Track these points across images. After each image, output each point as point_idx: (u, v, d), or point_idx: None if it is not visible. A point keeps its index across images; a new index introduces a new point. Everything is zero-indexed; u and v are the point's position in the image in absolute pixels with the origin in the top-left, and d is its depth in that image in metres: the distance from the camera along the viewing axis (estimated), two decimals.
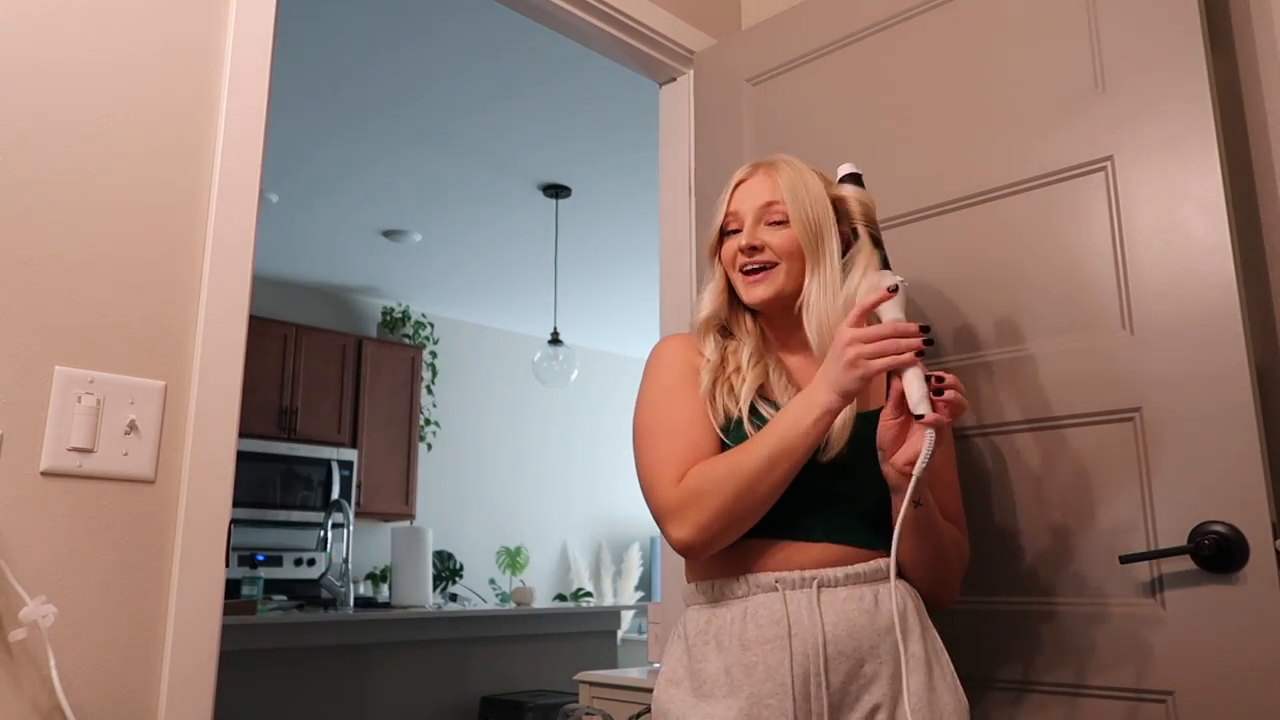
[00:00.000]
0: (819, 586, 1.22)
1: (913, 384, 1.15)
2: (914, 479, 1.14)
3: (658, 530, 1.29)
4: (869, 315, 1.18)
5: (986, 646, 1.52)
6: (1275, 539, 1.28)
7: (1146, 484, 1.40)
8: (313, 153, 4.12)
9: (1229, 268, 1.36)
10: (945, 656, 1.27)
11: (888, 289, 1.17)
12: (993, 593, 1.52)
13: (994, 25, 1.67)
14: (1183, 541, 1.34)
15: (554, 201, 4.59)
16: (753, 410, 1.27)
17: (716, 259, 1.38)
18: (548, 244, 4.91)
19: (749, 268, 1.32)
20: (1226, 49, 1.56)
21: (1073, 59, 1.56)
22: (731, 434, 1.27)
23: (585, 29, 2.08)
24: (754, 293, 1.33)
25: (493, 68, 3.44)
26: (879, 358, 1.15)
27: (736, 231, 1.35)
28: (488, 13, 3.06)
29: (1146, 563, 1.38)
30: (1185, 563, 1.34)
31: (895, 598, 1.20)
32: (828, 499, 1.26)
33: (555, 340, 4.83)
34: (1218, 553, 1.30)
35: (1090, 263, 1.50)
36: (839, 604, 1.21)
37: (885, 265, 1.27)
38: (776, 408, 1.27)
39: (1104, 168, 1.50)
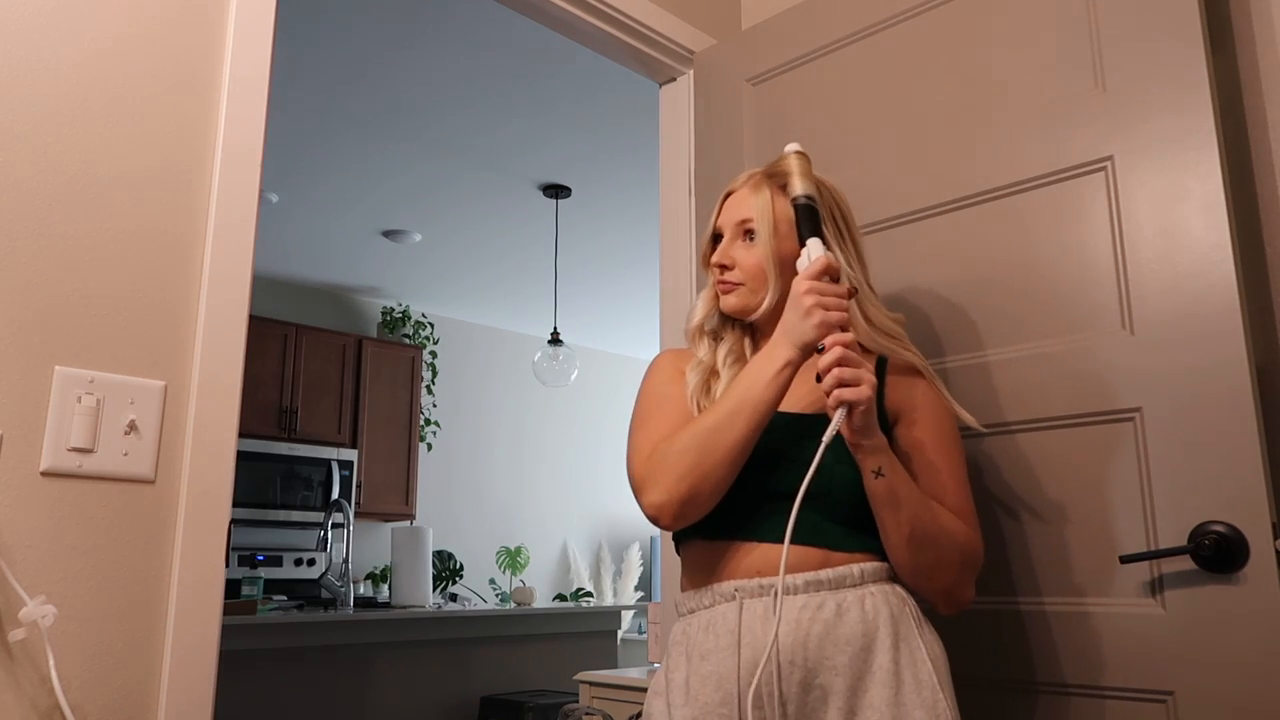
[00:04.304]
0: (776, 595, 1.20)
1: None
2: (822, 445, 1.16)
3: (658, 530, 1.30)
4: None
5: (986, 646, 1.52)
6: (1275, 539, 1.28)
7: (1146, 484, 1.40)
8: (313, 153, 4.12)
9: (1229, 268, 1.36)
10: (927, 668, 1.19)
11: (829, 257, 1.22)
12: (993, 593, 1.52)
13: (994, 25, 1.67)
14: (1183, 541, 1.34)
15: (554, 201, 4.59)
16: None
17: (708, 265, 1.42)
18: (548, 244, 4.91)
19: (723, 282, 1.37)
20: (1226, 49, 1.56)
21: (1073, 59, 1.56)
22: None
23: (585, 29, 2.08)
24: (725, 302, 1.38)
25: (493, 68, 3.44)
26: (835, 310, 1.18)
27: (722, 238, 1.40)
28: (488, 13, 3.06)
29: (1146, 563, 1.38)
30: (1185, 563, 1.34)
31: (780, 601, 1.17)
32: (792, 498, 1.20)
33: (555, 340, 4.83)
34: (1218, 553, 1.30)
35: (1090, 263, 1.50)
36: (794, 613, 1.19)
37: (816, 233, 1.26)
38: None
39: (1104, 168, 1.50)
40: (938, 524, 1.23)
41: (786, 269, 1.30)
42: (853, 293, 1.24)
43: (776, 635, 1.18)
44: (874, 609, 1.20)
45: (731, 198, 1.39)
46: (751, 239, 1.34)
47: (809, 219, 1.26)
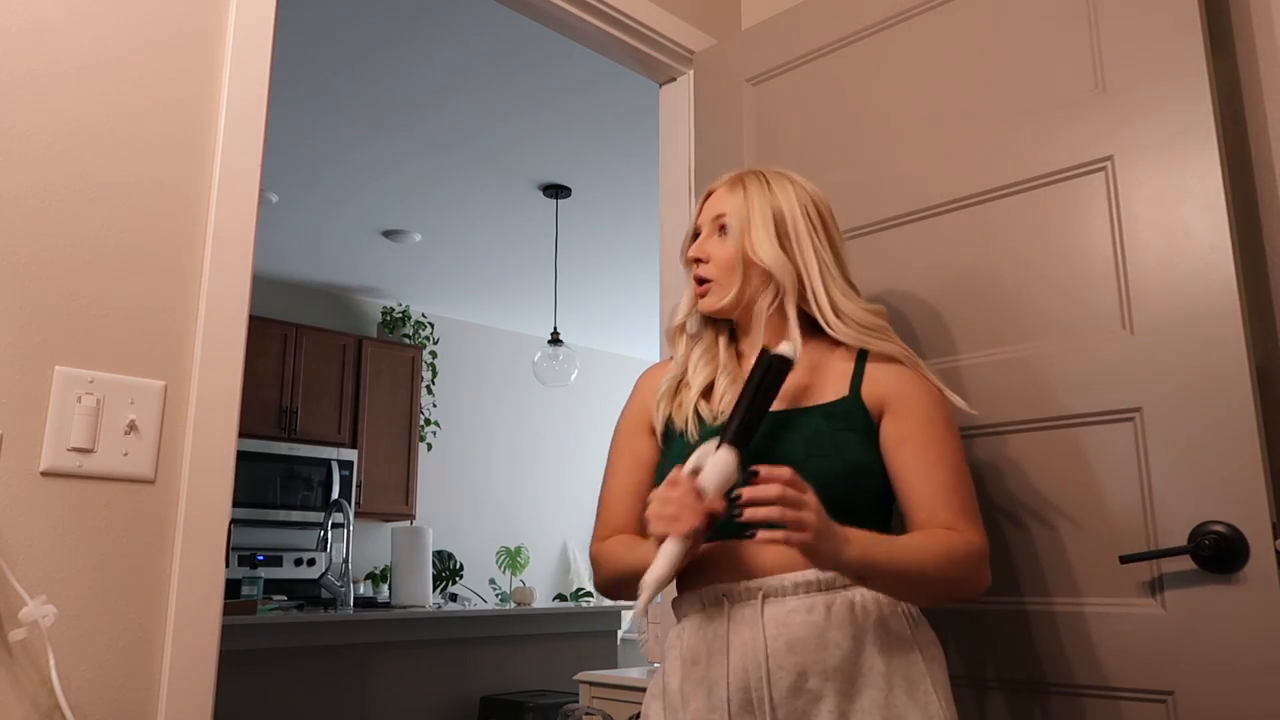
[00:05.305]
0: (764, 598, 1.19)
1: (665, 556, 1.12)
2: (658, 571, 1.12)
3: None
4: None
5: (987, 646, 1.52)
6: (1275, 539, 1.28)
7: (1146, 484, 1.40)
8: (312, 152, 4.12)
9: (1229, 268, 1.36)
10: (920, 669, 1.19)
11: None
12: (993, 593, 1.51)
13: (994, 25, 1.67)
14: (1183, 541, 1.34)
15: (554, 201, 4.59)
16: (695, 414, 1.33)
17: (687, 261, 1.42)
18: (548, 244, 4.90)
19: (698, 279, 1.38)
20: (1226, 49, 1.56)
21: (1073, 59, 1.56)
22: (672, 446, 1.33)
23: (585, 29, 2.08)
24: (701, 304, 1.39)
25: (493, 68, 3.44)
26: (661, 521, 1.13)
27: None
28: (488, 13, 3.06)
29: (1146, 563, 1.38)
30: (1185, 563, 1.34)
31: (649, 624, 1.18)
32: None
33: (555, 340, 4.83)
34: (1218, 553, 1.30)
35: (1090, 263, 1.50)
36: (782, 616, 1.18)
37: (726, 438, 1.17)
38: (711, 415, 1.31)
39: (1104, 168, 1.50)
40: (939, 562, 1.19)
41: (753, 266, 1.32)
42: (714, 514, 1.14)
43: (765, 640, 1.17)
44: (864, 610, 1.19)
45: (712, 197, 1.41)
46: (725, 234, 1.35)
47: (735, 425, 1.17)
